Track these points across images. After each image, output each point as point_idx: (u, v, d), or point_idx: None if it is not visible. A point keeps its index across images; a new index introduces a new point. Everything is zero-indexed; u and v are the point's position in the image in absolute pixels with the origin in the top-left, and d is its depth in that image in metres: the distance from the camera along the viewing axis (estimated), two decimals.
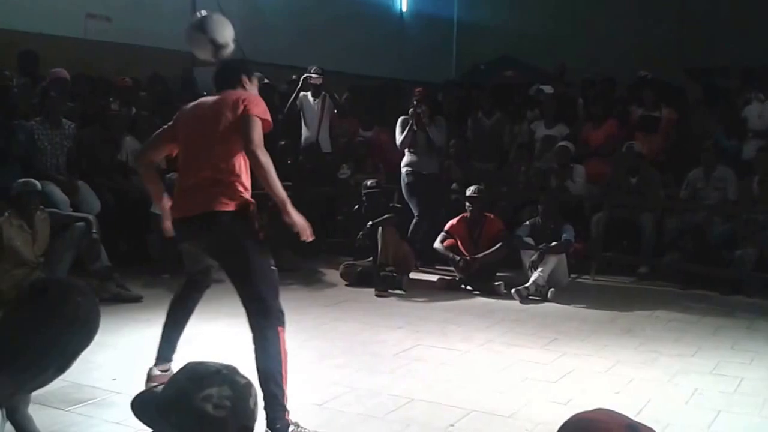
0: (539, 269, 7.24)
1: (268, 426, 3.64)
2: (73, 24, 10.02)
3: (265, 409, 3.62)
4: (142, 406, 2.00)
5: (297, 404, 4.25)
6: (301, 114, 9.94)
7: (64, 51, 9.47)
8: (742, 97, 9.32)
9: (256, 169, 3.82)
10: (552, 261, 7.30)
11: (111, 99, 9.18)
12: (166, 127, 4.22)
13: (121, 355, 3.51)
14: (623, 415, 1.60)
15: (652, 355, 5.43)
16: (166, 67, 10.41)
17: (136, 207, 7.85)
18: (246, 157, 3.90)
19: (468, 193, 7.73)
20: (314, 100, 9.85)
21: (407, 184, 8.58)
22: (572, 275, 7.90)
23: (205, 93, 10.82)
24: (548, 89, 10.66)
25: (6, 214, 6.40)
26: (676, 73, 10.81)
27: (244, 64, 4.35)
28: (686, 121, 9.25)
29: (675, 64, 11.81)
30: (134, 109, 9.15)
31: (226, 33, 4.19)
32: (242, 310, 3.83)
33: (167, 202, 4.17)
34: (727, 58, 11.47)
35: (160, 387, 2.01)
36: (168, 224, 4.15)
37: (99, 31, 10.28)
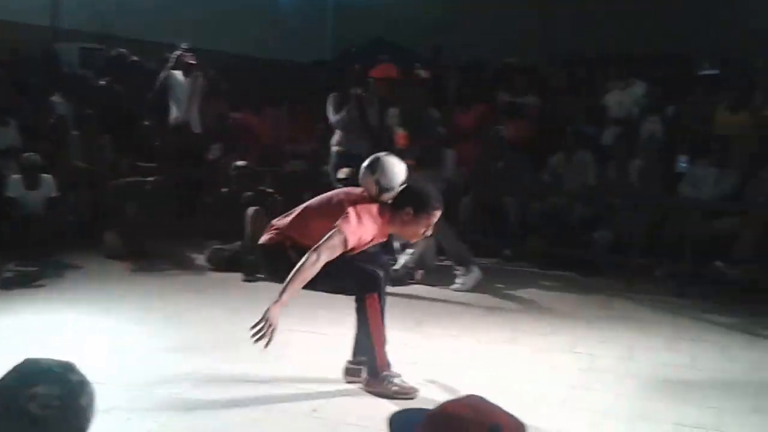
0: (408, 251, 7.30)
1: None
2: None
3: None
4: None
5: (157, 394, 4.22)
6: (170, 93, 9.71)
7: None
8: (603, 86, 9.66)
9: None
10: (421, 244, 7.35)
11: None
12: None
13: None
14: (493, 406, 1.60)
15: (513, 334, 5.60)
16: (23, 43, 9.86)
17: None
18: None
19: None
20: (185, 78, 9.64)
21: (336, 164, 8.36)
22: (440, 257, 8.01)
23: (67, 69, 10.56)
24: (423, 73, 10.76)
25: None
26: (540, 61, 11.11)
27: (421, 199, 4.32)
28: (549, 108, 9.53)
29: (539, 52, 12.13)
30: None
31: (394, 179, 4.32)
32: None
33: None
34: (588, 47, 11.87)
35: None
36: None
37: None
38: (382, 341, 4.29)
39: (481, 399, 1.61)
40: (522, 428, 1.59)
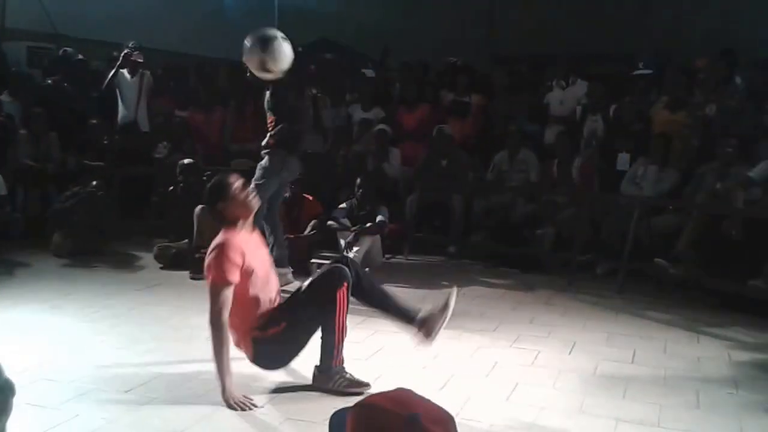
0: (354, 249, 7.36)
1: None
2: None
3: None
4: None
5: (105, 391, 4.22)
6: (118, 92, 9.66)
7: None
8: (545, 84, 9.80)
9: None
10: (367, 241, 7.43)
11: None
12: None
13: None
14: (419, 398, 1.63)
15: (457, 331, 5.61)
16: None
17: None
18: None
19: None
20: (132, 77, 9.61)
21: None
22: (387, 255, 8.09)
23: (15, 68, 10.42)
24: (370, 73, 10.83)
25: None
26: (483, 61, 11.23)
27: (217, 189, 4.25)
28: (492, 107, 9.65)
29: (482, 51, 12.27)
30: None
31: (280, 64, 4.53)
32: None
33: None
34: (530, 47, 12.04)
35: None
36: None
37: None
38: (343, 337, 4.27)
39: (408, 391, 1.66)
40: (449, 420, 1.62)
